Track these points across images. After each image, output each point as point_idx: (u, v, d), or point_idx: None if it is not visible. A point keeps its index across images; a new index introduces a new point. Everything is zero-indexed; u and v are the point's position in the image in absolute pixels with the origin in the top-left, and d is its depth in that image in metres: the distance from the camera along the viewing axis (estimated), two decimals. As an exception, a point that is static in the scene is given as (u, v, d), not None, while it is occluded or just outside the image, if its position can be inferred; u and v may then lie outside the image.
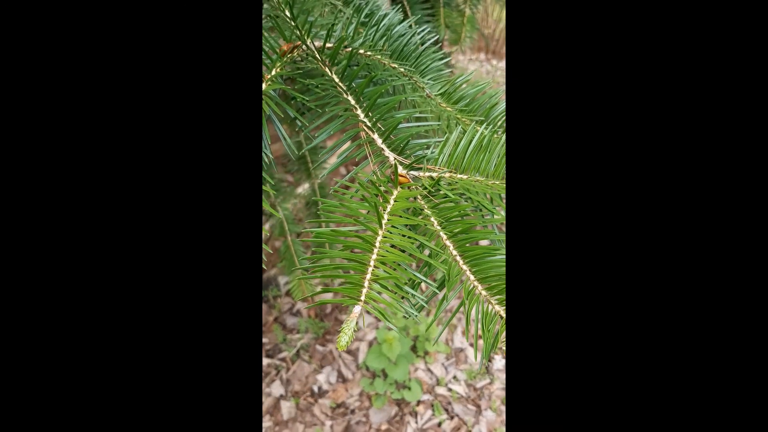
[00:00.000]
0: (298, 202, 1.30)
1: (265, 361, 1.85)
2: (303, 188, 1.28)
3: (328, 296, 0.37)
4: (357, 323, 0.32)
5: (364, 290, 0.33)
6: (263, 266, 0.34)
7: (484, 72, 3.98)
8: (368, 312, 0.33)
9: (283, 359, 1.85)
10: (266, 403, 1.71)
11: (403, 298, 0.34)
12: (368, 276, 0.34)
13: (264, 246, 0.34)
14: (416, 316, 0.35)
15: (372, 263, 0.35)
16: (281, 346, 1.89)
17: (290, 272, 1.05)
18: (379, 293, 0.33)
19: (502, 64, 4.08)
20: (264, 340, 1.92)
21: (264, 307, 2.02)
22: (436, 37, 0.50)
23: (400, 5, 1.15)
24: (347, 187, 0.38)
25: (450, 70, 0.49)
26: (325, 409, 1.69)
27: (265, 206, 0.35)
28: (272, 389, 1.76)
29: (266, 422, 1.66)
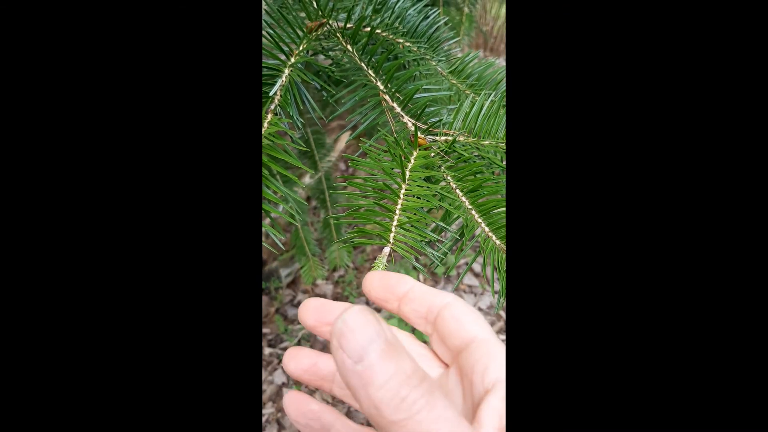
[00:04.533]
0: (304, 192, 1.33)
1: (268, 350, 1.88)
2: (308, 179, 1.32)
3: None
4: (385, 261, 0.36)
5: (392, 234, 0.38)
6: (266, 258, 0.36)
7: (479, 71, 4.03)
8: (395, 251, 0.37)
9: (284, 349, 1.88)
10: (269, 390, 1.75)
11: (429, 242, 0.39)
12: (395, 223, 0.38)
13: (276, 233, 0.38)
14: (440, 259, 0.40)
15: (398, 212, 0.39)
16: (283, 336, 1.92)
17: (300, 258, 1.09)
18: (404, 236, 0.38)
19: (500, 61, 4.14)
20: (266, 330, 1.95)
21: (266, 298, 2.06)
22: (445, 19, 0.55)
23: None
24: (375, 148, 0.42)
25: (459, 48, 0.54)
26: (326, 396, 1.73)
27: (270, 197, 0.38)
28: (275, 377, 1.79)
29: (269, 409, 1.70)
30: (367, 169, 0.41)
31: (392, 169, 0.41)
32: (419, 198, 0.40)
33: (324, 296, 2.09)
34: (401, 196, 0.39)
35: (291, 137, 0.40)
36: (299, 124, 0.41)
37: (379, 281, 0.28)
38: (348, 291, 2.07)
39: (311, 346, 1.88)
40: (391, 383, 0.19)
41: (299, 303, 2.05)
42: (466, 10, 1.38)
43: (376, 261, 0.36)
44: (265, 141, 0.39)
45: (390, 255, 0.37)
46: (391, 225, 0.38)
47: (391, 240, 0.37)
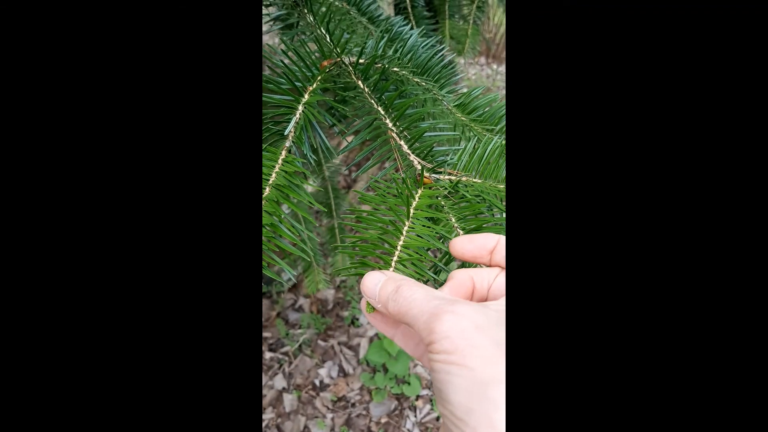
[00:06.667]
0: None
1: (269, 354, 1.91)
2: (310, 188, 1.35)
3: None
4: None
5: (392, 268, 0.40)
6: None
7: (485, 76, 4.03)
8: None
9: (285, 353, 1.91)
10: (269, 395, 1.77)
11: (426, 281, 0.41)
12: (395, 258, 0.41)
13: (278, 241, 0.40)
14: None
15: (399, 248, 0.41)
16: (284, 340, 1.94)
17: (305, 267, 1.11)
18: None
19: (502, 68, 4.12)
20: (267, 334, 1.98)
21: (267, 302, 2.08)
22: (453, 56, 0.57)
23: (405, 18, 1.21)
24: (382, 185, 0.45)
25: (464, 85, 0.56)
26: (327, 402, 1.75)
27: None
28: (275, 382, 1.81)
29: (269, 414, 1.72)
30: (373, 204, 0.43)
31: (397, 205, 0.43)
32: (421, 237, 0.42)
33: (325, 301, 2.11)
34: (404, 232, 0.42)
35: (305, 174, 0.43)
36: (312, 161, 0.44)
37: (470, 242, 0.37)
38: (350, 296, 2.10)
39: (312, 351, 1.90)
40: (389, 294, 0.34)
41: (300, 308, 2.07)
42: (471, 22, 1.40)
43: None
44: (280, 179, 0.41)
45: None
46: (392, 260, 0.40)
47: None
